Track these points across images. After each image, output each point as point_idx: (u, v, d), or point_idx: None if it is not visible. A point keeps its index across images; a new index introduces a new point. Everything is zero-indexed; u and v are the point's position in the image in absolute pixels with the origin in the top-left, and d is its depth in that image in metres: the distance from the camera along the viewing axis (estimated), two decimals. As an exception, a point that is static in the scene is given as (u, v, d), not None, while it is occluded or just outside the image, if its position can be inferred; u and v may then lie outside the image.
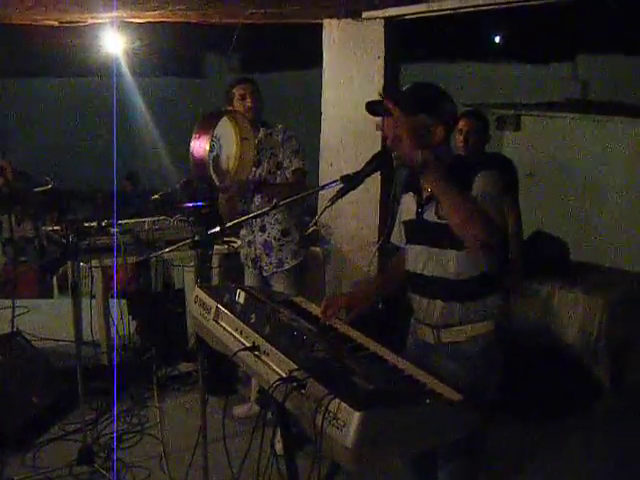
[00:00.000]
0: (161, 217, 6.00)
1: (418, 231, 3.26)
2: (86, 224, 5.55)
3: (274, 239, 4.88)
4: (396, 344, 2.93)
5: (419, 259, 3.26)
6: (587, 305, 5.24)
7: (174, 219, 5.97)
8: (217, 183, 4.48)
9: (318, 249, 6.18)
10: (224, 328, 3.14)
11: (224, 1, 4.83)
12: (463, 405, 2.55)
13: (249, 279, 5.06)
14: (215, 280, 5.91)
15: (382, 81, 5.86)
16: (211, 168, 4.45)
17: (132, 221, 5.85)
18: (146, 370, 5.66)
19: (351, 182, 3.10)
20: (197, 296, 3.44)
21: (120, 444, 4.85)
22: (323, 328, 3.19)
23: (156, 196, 5.00)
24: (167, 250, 3.99)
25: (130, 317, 6.21)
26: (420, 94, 3.11)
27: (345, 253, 6.28)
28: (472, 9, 5.41)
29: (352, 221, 6.18)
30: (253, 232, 4.95)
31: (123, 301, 6.30)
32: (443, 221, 3.09)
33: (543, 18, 10.58)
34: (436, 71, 10.46)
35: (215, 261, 5.89)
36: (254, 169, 4.83)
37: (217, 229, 3.48)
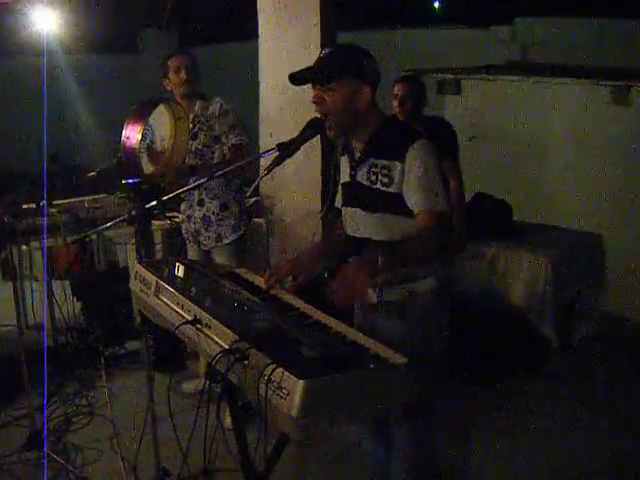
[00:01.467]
0: (100, 195, 5.90)
1: (352, 193, 3.27)
2: (24, 206, 5.43)
3: (212, 214, 4.83)
4: (342, 311, 2.91)
5: (353, 221, 3.26)
6: (531, 264, 5.30)
7: (114, 196, 5.88)
8: (150, 171, 4.41)
9: (261, 220, 6.13)
10: (165, 303, 3.11)
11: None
12: (408, 368, 2.54)
13: (191, 254, 5.03)
14: (158, 256, 5.83)
15: (318, 49, 5.76)
16: (144, 156, 4.38)
17: (71, 200, 5.74)
18: (93, 351, 5.58)
19: (287, 149, 3.08)
20: (137, 272, 3.39)
21: (70, 427, 4.80)
22: (266, 298, 3.16)
23: (92, 173, 4.89)
24: (105, 226, 3.91)
25: (74, 298, 6.11)
26: (340, 58, 3.08)
27: (289, 223, 6.23)
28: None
29: (295, 191, 6.13)
30: (192, 207, 4.91)
31: (66, 282, 6.20)
32: (374, 186, 3.09)
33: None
34: (375, 38, 10.37)
35: (158, 237, 5.82)
36: (191, 142, 4.76)
37: (154, 203, 3.42)
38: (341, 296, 2.70)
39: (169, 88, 4.87)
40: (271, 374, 2.34)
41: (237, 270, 3.61)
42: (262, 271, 3.45)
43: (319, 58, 3.14)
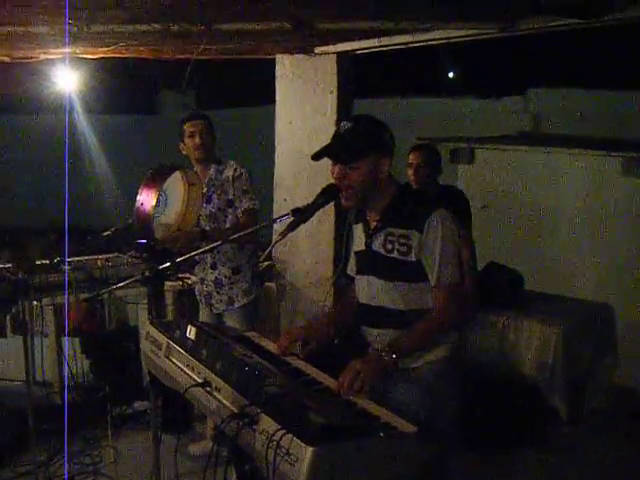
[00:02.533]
0: (114, 254, 5.94)
1: (367, 262, 3.29)
2: (38, 262, 5.47)
3: (225, 277, 4.86)
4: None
5: (368, 290, 3.28)
6: (542, 335, 5.26)
7: (127, 256, 5.92)
8: (160, 236, 4.44)
9: (272, 285, 6.15)
10: (175, 364, 3.12)
11: (177, 37, 4.82)
12: (417, 437, 2.53)
13: (203, 316, 5.04)
14: (169, 317, 5.84)
15: (335, 116, 5.86)
16: (155, 221, 4.42)
17: (84, 258, 5.78)
18: (100, 409, 5.55)
19: (302, 215, 3.11)
20: (148, 332, 3.41)
21: (73, 485, 4.77)
22: (276, 363, 3.16)
23: (108, 232, 4.93)
24: (118, 286, 3.93)
25: (83, 356, 6.11)
26: (362, 136, 3.11)
27: (300, 288, 6.24)
28: (423, 44, 5.45)
29: (307, 256, 6.16)
30: (205, 269, 4.94)
31: (76, 340, 6.20)
32: (391, 255, 3.13)
33: (495, 53, 10.77)
34: (389, 106, 10.56)
35: (169, 297, 5.83)
36: (205, 205, 4.81)
37: (167, 264, 3.45)
38: (348, 389, 2.79)
39: (185, 152, 4.94)
40: (280, 440, 2.33)
41: (248, 334, 3.62)
42: (273, 335, 3.46)
43: (340, 135, 3.17)
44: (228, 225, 4.82)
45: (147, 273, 3.46)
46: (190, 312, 5.50)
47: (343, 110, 5.91)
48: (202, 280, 4.99)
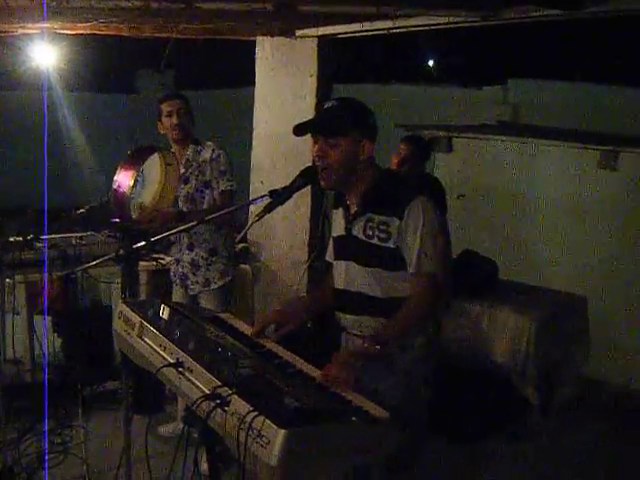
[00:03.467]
0: (88, 232, 5.88)
1: (346, 247, 3.28)
2: (11, 239, 5.41)
3: (201, 258, 4.84)
4: (325, 361, 2.91)
5: (346, 275, 3.27)
6: (515, 324, 5.28)
7: (102, 234, 5.87)
8: (137, 216, 4.41)
9: (247, 267, 6.13)
10: (148, 344, 3.08)
11: (156, 15, 4.77)
12: (389, 422, 2.53)
13: (177, 297, 5.01)
14: (143, 297, 5.81)
15: (314, 99, 5.86)
16: (132, 202, 4.39)
17: (58, 236, 5.72)
18: (71, 388, 5.52)
19: (279, 197, 3.10)
20: (121, 312, 3.36)
21: (42, 464, 4.73)
22: (250, 345, 3.15)
23: (82, 210, 4.90)
24: (91, 264, 3.90)
25: (55, 334, 6.06)
26: (346, 113, 3.11)
27: (275, 271, 6.24)
28: (404, 30, 5.44)
29: (282, 239, 6.15)
30: (181, 250, 4.91)
31: (48, 318, 6.15)
32: (371, 240, 3.12)
33: (476, 42, 10.77)
34: (370, 92, 10.51)
35: (143, 277, 5.80)
36: (182, 186, 4.78)
37: (142, 243, 3.42)
38: (334, 382, 2.74)
39: (162, 131, 4.91)
40: (252, 422, 2.32)
41: (221, 315, 3.59)
42: (247, 317, 3.45)
43: (324, 109, 3.17)
44: (205, 206, 4.79)
45: (121, 252, 3.43)
46: (164, 292, 5.46)
47: (322, 94, 5.90)
48: (178, 261, 4.96)
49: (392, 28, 5.38)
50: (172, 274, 5.07)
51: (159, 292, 5.68)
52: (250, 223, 3.27)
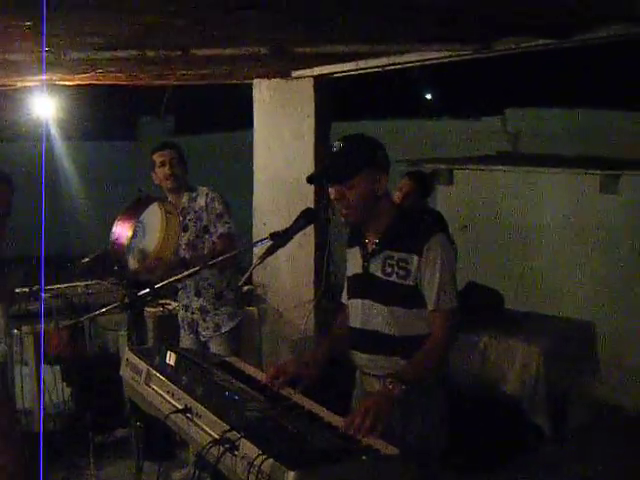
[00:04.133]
0: (93, 281, 5.91)
1: (363, 285, 3.25)
2: (17, 290, 5.43)
3: (209, 303, 4.85)
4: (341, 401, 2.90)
5: (362, 313, 3.24)
6: (523, 354, 5.27)
7: (107, 282, 5.89)
8: (138, 266, 4.43)
9: (253, 308, 6.13)
10: (155, 391, 3.09)
11: (153, 63, 4.83)
12: (400, 459, 2.52)
13: (186, 342, 5.02)
14: (150, 343, 5.81)
15: (313, 139, 5.88)
16: (131, 253, 4.42)
17: (64, 286, 5.75)
18: (81, 437, 5.50)
19: (280, 239, 3.11)
20: (128, 359, 3.39)
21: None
22: (258, 388, 3.14)
23: (87, 259, 4.92)
24: (98, 313, 3.92)
25: (64, 384, 6.05)
26: (356, 153, 3.09)
27: (281, 312, 6.24)
28: (399, 67, 5.48)
29: (287, 279, 6.16)
30: (189, 297, 4.92)
31: (57, 368, 6.15)
32: (389, 278, 3.11)
33: (472, 74, 10.82)
34: (368, 128, 10.50)
35: (150, 323, 5.81)
36: (182, 234, 4.80)
37: (147, 290, 3.44)
38: (362, 429, 2.66)
39: (157, 182, 4.95)
40: (261, 465, 2.32)
41: (229, 359, 3.60)
42: (254, 359, 3.44)
43: (334, 155, 3.14)
44: (206, 251, 4.80)
45: (126, 300, 3.45)
46: (171, 338, 5.46)
47: (321, 134, 5.93)
48: (186, 307, 4.98)
49: (387, 65, 5.42)
50: (180, 320, 5.08)
51: (166, 338, 5.68)
52: (252, 266, 3.28)
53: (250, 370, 3.38)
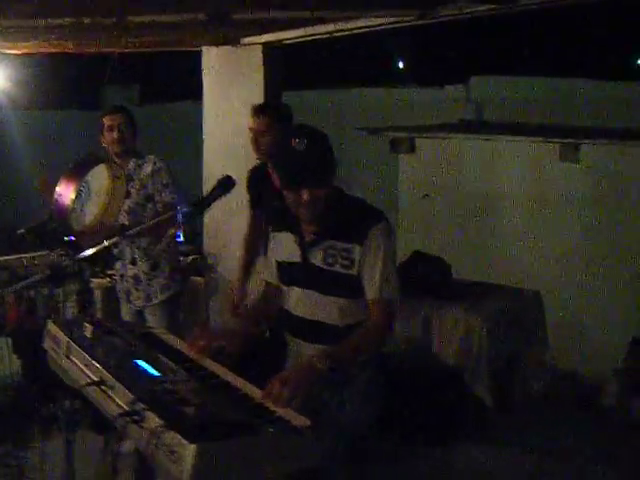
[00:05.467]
0: (41, 252, 5.85)
1: (304, 275, 3.19)
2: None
3: (143, 273, 4.82)
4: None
5: (303, 303, 3.21)
6: (464, 324, 5.24)
7: (55, 253, 5.83)
8: (80, 228, 4.36)
9: (200, 279, 6.09)
10: (74, 363, 3.05)
11: (90, 30, 4.75)
12: (311, 431, 2.50)
13: (124, 312, 5.00)
14: (100, 314, 5.79)
15: (263, 108, 5.82)
16: (74, 215, 4.34)
17: (9, 257, 5.69)
18: (30, 410, 5.47)
19: (196, 208, 3.09)
20: (49, 331, 3.35)
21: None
22: (176, 359, 3.11)
23: (22, 230, 4.87)
24: (20, 285, 3.87)
25: (15, 356, 6.01)
26: (324, 159, 3.02)
27: (232, 282, 6.19)
28: (347, 33, 5.43)
29: (237, 249, 6.10)
30: (125, 265, 4.89)
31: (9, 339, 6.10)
32: (332, 268, 3.07)
33: (436, 41, 10.77)
34: (332, 97, 10.46)
35: (98, 294, 5.77)
36: (125, 200, 4.75)
37: (67, 262, 3.41)
38: (279, 399, 2.64)
39: (104, 145, 4.89)
40: (163, 437, 2.29)
41: (154, 330, 3.57)
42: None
43: (298, 154, 2.95)
44: (147, 219, 4.76)
45: (47, 272, 3.41)
46: (116, 309, 5.43)
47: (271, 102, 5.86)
48: (122, 276, 4.95)
49: (335, 31, 5.37)
50: (118, 290, 5.05)
51: (112, 309, 5.65)
52: (167, 237, 3.24)
53: (173, 341, 3.35)
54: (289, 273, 3.28)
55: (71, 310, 5.70)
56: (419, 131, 8.53)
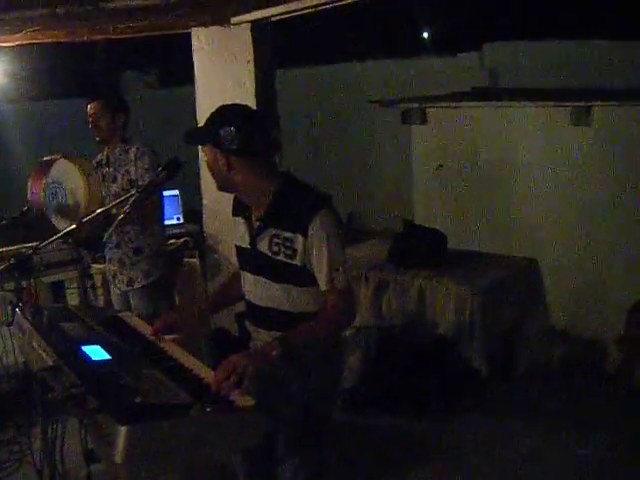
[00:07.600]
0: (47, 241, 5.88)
1: (254, 261, 3.19)
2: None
3: (127, 256, 4.84)
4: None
5: (256, 289, 3.21)
6: (458, 295, 5.19)
7: (51, 240, 5.86)
8: (64, 226, 4.39)
9: (195, 260, 6.10)
10: (34, 349, 3.10)
11: (67, 19, 4.75)
12: (253, 410, 2.49)
13: (113, 295, 5.06)
14: (100, 300, 5.85)
15: (253, 86, 5.79)
16: (55, 214, 4.45)
17: (9, 249, 5.74)
18: (32, 397, 5.53)
19: (143, 192, 3.10)
20: (16, 319, 3.40)
21: (-1, 473, 4.77)
22: (135, 343, 3.13)
23: (3, 222, 4.92)
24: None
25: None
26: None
27: (233, 264, 6.20)
28: (333, 5, 5.35)
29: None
30: (111, 249, 4.93)
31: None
32: (277, 257, 3.06)
33: (447, 10, 10.62)
34: (344, 70, 10.43)
35: (98, 280, 5.83)
36: (111, 184, 4.81)
37: (31, 251, 3.45)
38: (226, 384, 2.62)
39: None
40: (98, 419, 2.32)
41: (120, 315, 3.61)
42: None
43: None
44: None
45: (12, 260, 3.44)
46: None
47: (262, 80, 5.83)
48: (109, 260, 5.00)
49: (318, 5, 5.30)
50: (107, 273, 5.11)
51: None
52: (116, 220, 3.24)
53: (137, 325, 3.39)
54: (243, 258, 3.30)
55: (74, 298, 5.77)
56: (432, 101, 8.42)
